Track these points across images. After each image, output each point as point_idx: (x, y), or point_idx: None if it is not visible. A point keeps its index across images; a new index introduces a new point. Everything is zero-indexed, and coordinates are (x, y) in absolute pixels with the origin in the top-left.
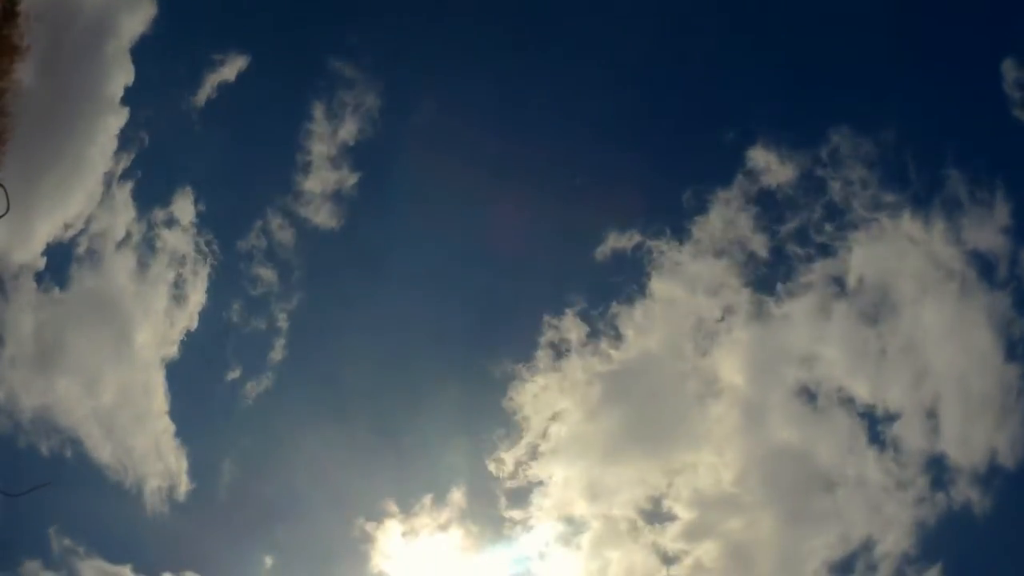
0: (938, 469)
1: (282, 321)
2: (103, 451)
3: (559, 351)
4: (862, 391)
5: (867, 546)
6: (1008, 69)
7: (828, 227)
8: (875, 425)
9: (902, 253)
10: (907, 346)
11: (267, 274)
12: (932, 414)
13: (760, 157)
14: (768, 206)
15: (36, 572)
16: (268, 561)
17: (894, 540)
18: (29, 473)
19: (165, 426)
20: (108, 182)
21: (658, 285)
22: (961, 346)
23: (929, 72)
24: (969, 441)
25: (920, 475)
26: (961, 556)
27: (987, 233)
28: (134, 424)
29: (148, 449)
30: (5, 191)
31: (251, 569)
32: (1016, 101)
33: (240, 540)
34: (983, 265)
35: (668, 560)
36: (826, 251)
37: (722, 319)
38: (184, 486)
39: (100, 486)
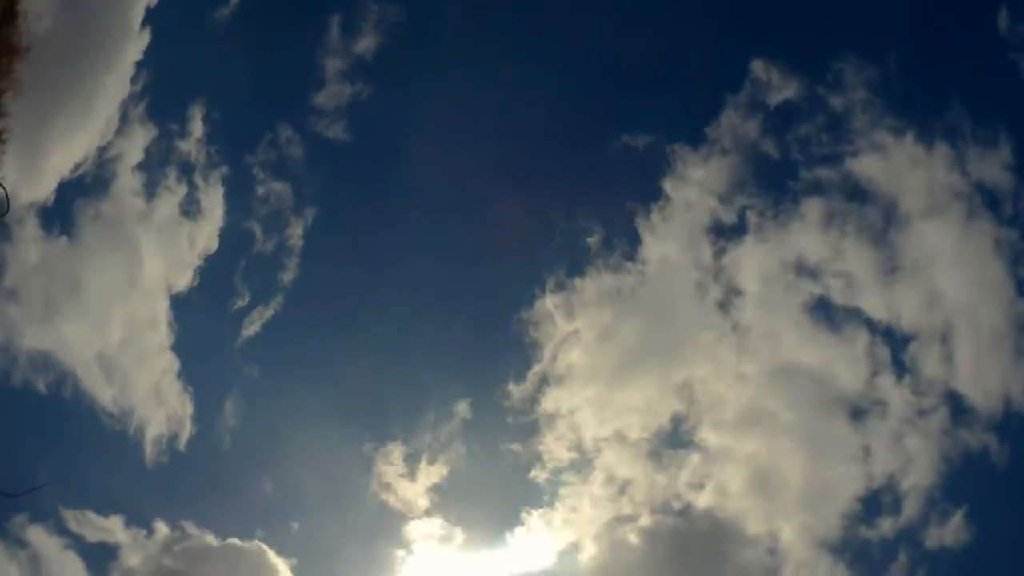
0: (956, 407)
1: (295, 239)
2: (102, 392)
3: (574, 261)
4: (874, 307)
5: (891, 481)
6: (1003, 18)
7: (832, 142)
8: (889, 342)
9: (907, 174)
10: (916, 266)
11: (280, 190)
12: (945, 339)
13: (764, 72)
14: (775, 122)
15: (23, 525)
16: (269, 487)
17: (918, 475)
18: (23, 413)
19: (168, 363)
20: (124, 111)
21: (672, 187)
22: (968, 273)
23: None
24: (983, 379)
25: (940, 405)
26: (984, 501)
27: (990, 167)
28: (136, 361)
29: (149, 388)
30: (5, 191)
31: (254, 510)
32: (1012, 44)
33: (242, 482)
34: (987, 197)
35: (688, 486)
36: (833, 163)
37: (735, 224)
38: (187, 429)
39: (97, 427)
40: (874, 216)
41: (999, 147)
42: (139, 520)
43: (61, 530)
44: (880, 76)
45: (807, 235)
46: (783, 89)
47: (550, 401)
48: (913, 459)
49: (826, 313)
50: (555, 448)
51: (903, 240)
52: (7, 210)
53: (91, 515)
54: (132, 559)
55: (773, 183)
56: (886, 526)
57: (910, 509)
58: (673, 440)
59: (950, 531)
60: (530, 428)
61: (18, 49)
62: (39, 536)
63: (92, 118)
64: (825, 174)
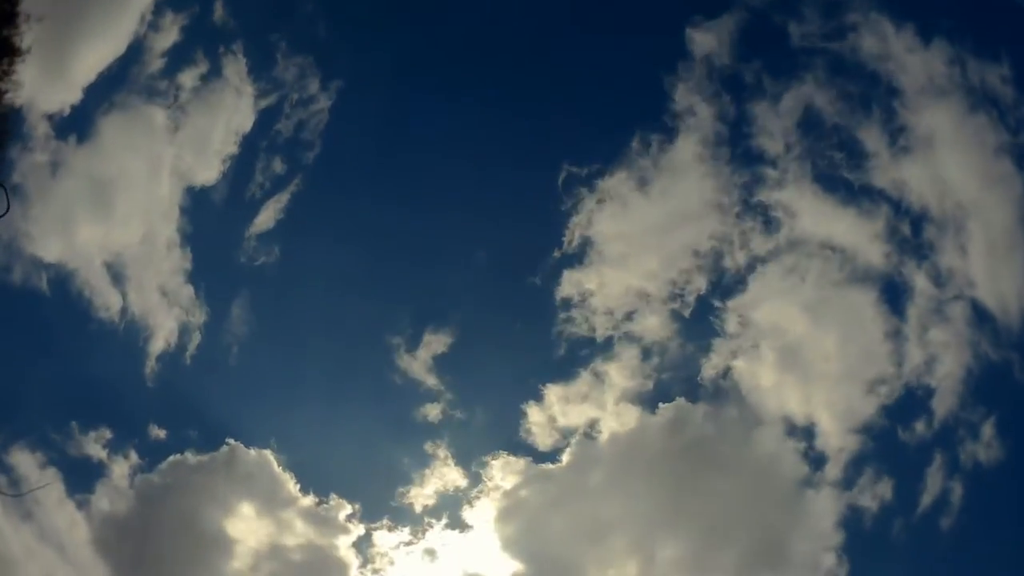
0: (975, 312)
1: (322, 113)
2: (109, 293)
3: (600, 129)
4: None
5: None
6: None
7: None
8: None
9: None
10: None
11: (305, 66)
12: (959, 227)
13: None
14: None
15: (3, 445)
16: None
17: (945, 368)
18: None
19: (177, 263)
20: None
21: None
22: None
23: None
24: (999, 282)
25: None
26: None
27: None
28: (145, 260)
29: (157, 291)
30: (5, 191)
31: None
32: None
33: (249, 388)
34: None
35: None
36: (835, 39)
37: (751, 84)
38: (195, 338)
39: (100, 333)
40: (878, 92)
41: (1000, 60)
42: (133, 432)
43: (47, 444)
44: None
45: (817, 95)
46: None
47: (572, 276)
48: (937, 355)
49: (843, 185)
50: (575, 323)
51: (911, 119)
52: (7, 210)
53: (77, 427)
54: (120, 475)
55: (779, 52)
56: (919, 423)
57: (940, 405)
58: (697, 317)
59: (982, 444)
60: (551, 303)
61: (18, 50)
62: (23, 457)
63: (121, 17)
64: (832, 47)
